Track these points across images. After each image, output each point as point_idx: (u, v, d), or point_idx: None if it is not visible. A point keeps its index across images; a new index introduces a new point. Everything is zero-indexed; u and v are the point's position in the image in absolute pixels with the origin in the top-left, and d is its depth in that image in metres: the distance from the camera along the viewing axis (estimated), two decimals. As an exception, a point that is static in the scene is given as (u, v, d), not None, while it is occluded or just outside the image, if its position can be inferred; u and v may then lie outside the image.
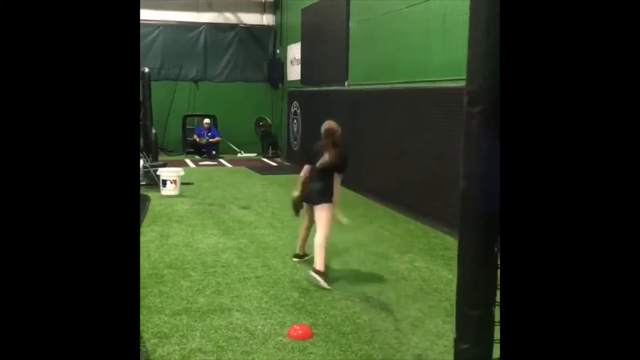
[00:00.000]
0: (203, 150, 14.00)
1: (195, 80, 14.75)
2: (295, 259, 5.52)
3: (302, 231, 5.49)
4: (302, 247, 5.52)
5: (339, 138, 5.14)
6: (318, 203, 5.08)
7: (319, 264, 4.88)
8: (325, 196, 5.06)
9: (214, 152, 13.86)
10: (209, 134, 14.00)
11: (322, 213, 5.06)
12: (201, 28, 14.66)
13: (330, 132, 5.10)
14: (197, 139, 14.03)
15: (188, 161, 13.24)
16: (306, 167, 5.26)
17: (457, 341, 2.41)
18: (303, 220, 5.54)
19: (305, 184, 5.25)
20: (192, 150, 14.21)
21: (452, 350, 2.44)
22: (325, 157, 5.02)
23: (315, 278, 4.84)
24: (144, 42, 14.05)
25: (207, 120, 14.04)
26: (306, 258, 5.42)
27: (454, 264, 5.64)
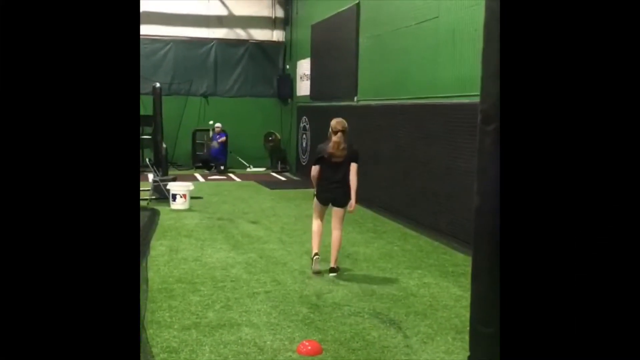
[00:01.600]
0: (211, 164, 14.05)
1: (206, 95, 14.85)
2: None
3: (316, 238, 5.55)
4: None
5: (347, 133, 5.37)
6: (344, 205, 5.42)
7: (336, 261, 5.45)
8: (349, 196, 5.40)
9: (222, 167, 13.89)
10: (219, 137, 13.97)
11: (342, 212, 5.44)
12: (212, 44, 14.79)
13: (338, 128, 5.31)
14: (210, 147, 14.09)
15: (197, 175, 13.29)
16: (315, 167, 5.47)
17: (470, 359, 2.39)
18: (311, 235, 5.58)
19: (318, 183, 5.48)
20: (200, 164, 14.28)
21: (463, 368, 2.43)
22: (333, 141, 5.26)
23: (334, 276, 5.34)
24: (155, 58, 14.21)
25: (218, 125, 13.98)
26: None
27: (464, 280, 5.59)
